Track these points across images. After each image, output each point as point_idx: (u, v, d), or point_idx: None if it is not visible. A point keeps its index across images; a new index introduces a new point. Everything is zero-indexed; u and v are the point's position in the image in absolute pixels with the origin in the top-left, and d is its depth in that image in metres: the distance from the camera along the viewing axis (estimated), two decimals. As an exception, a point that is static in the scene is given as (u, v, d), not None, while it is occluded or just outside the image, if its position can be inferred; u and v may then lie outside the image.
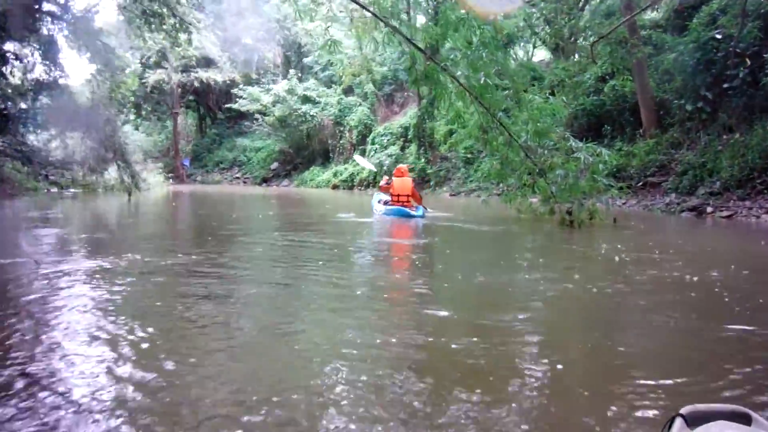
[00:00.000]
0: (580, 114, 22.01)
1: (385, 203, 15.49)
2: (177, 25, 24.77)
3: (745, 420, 1.85)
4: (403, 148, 33.25)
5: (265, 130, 45.46)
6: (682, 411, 1.90)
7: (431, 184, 29.42)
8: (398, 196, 14.83)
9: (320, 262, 7.49)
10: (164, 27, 25.04)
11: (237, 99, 43.39)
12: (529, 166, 12.24)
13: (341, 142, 39.67)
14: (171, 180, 48.42)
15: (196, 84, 45.72)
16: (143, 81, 45.90)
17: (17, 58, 21.13)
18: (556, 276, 6.94)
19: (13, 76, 22.12)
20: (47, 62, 26.53)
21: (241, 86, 43.60)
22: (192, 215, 17.38)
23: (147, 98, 50.79)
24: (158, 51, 40.16)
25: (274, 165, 45.55)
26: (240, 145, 50.36)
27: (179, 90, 49.37)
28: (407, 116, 34.68)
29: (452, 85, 10.79)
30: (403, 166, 15.73)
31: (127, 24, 25.97)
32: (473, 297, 5.79)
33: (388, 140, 34.46)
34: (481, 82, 9.77)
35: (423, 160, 30.55)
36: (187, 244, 10.03)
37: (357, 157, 22.26)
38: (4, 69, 20.90)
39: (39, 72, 25.57)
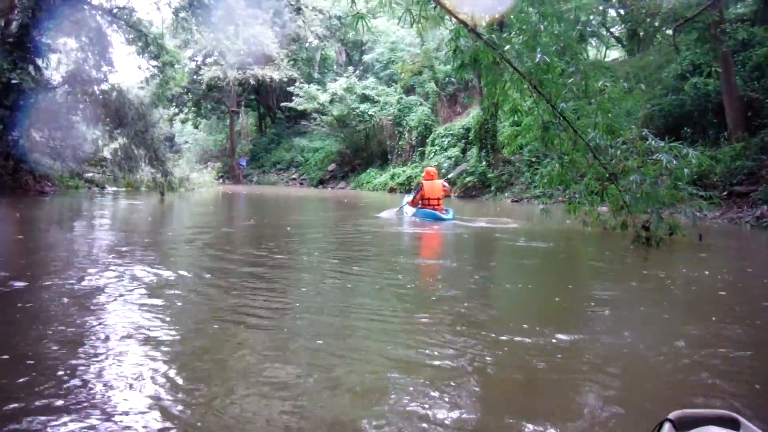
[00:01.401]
0: (657, 115, 19.80)
1: (416, 206, 15.19)
2: (225, 18, 23.64)
3: (733, 425, 1.88)
4: (464, 151, 31.30)
5: (324, 130, 44.19)
6: (671, 416, 1.92)
7: (492, 189, 27.44)
8: (429, 199, 14.83)
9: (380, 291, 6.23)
10: (212, 19, 23.95)
11: (294, 97, 41.95)
12: (598, 170, 10.24)
13: (400, 143, 37.94)
14: (227, 180, 47.75)
15: (252, 81, 44.55)
16: (198, 78, 45.07)
17: (51, 50, 20.00)
18: (637, 320, 5.16)
19: (47, 69, 21.08)
20: (96, 56, 25.83)
21: (297, 84, 42.18)
22: (215, 219, 16.06)
23: (206, 96, 50.09)
24: (214, 47, 39.03)
25: (332, 166, 44.15)
26: (298, 146, 49.10)
27: (238, 88, 48.56)
28: (470, 117, 32.71)
29: (507, 71, 8.96)
30: (431, 169, 15.83)
31: (174, 15, 25.00)
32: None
33: (448, 142, 32.52)
34: (537, 60, 7.85)
35: (484, 163, 28.56)
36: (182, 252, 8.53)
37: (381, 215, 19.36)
38: (39, 61, 19.83)
39: (87, 66, 24.94)
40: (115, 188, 24.88)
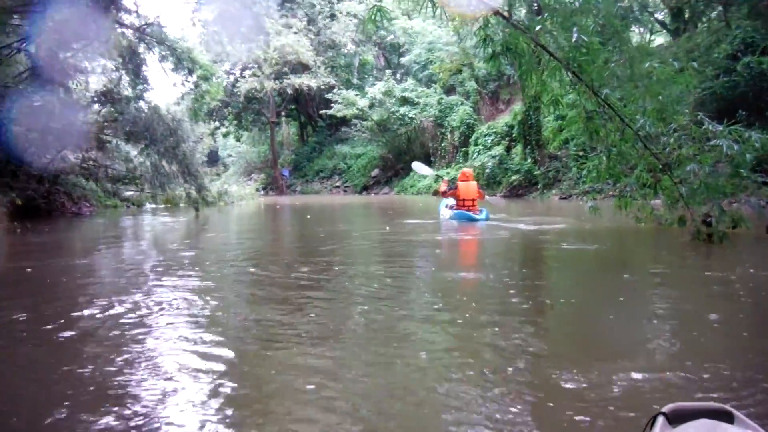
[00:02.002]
0: (708, 99, 18.69)
1: (451, 208, 15.59)
2: (254, 29, 23.24)
3: (727, 418, 1.87)
4: (508, 149, 30.29)
5: (365, 136, 43.69)
6: (664, 409, 1.92)
7: (539, 186, 26.47)
8: (464, 200, 15.08)
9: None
10: (241, 29, 23.59)
11: (333, 104, 41.40)
12: (650, 161, 9.32)
13: (443, 144, 37.09)
14: (271, 191, 47.55)
15: (290, 91, 44.19)
16: (235, 90, 44.88)
17: (77, 70, 19.67)
18: (708, 341, 4.33)
19: (77, 87, 20.79)
20: (131, 75, 25.68)
21: (335, 90, 41.66)
22: (246, 234, 15.53)
23: (245, 108, 49.95)
24: (249, 59, 38.81)
25: (375, 172, 43.54)
26: (340, 153, 48.65)
27: (278, 99, 48.35)
28: (513, 113, 31.71)
29: (543, 58, 8.13)
30: (467, 170, 16.28)
31: (203, 27, 24.77)
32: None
33: (492, 140, 31.52)
34: (574, 40, 7.01)
35: (530, 160, 27.62)
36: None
37: (415, 164, 20.81)
38: (69, 82, 19.53)
39: (120, 85, 24.86)
40: (153, 205, 24.56)
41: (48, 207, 18.68)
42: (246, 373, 3.80)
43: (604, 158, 9.94)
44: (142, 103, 20.15)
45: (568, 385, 3.34)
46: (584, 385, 3.33)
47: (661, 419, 1.88)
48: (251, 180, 53.78)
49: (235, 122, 53.30)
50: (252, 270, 8.16)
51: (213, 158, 65.91)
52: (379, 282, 6.94)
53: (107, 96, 19.74)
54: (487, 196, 16.09)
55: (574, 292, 6.27)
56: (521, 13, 8.42)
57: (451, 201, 15.80)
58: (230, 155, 64.03)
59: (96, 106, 20.30)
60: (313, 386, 3.44)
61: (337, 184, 46.85)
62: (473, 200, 15.05)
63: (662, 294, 5.98)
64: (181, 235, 14.88)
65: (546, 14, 7.70)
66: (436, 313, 5.39)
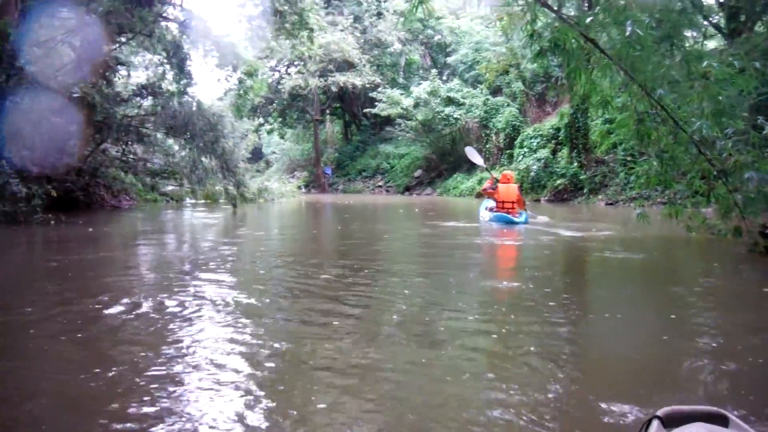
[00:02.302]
0: (765, 104, 17.92)
1: (491, 210, 15.62)
2: (298, 24, 22.96)
3: (722, 421, 1.83)
4: (554, 152, 29.61)
5: (409, 136, 43.26)
6: (659, 412, 1.85)
7: (584, 191, 25.82)
8: (503, 202, 15.13)
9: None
10: (286, 26, 23.33)
11: (377, 103, 41.06)
12: (704, 166, 8.78)
13: (487, 146, 36.50)
14: (313, 189, 47.44)
15: (334, 89, 44.01)
16: (280, 87, 44.82)
17: (119, 63, 19.60)
18: None
19: (119, 80, 20.75)
20: (175, 69, 25.68)
21: (379, 89, 41.30)
22: (283, 231, 15.27)
23: (290, 106, 49.89)
24: (295, 56, 38.62)
25: (418, 172, 43.09)
26: (383, 152, 48.26)
27: (322, 96, 48.23)
28: (559, 116, 31.05)
29: (594, 54, 7.67)
30: (508, 173, 16.39)
31: (248, 22, 24.62)
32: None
33: (537, 143, 30.85)
34: (627, 33, 6.54)
35: (576, 164, 26.94)
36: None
37: (469, 149, 20.32)
38: (109, 75, 19.48)
39: (163, 79, 24.92)
40: (193, 201, 24.51)
41: (87, 200, 18.67)
42: (282, 374, 3.78)
43: (655, 163, 9.43)
44: (183, 98, 20.00)
45: (610, 419, 2.95)
46: (631, 420, 2.95)
47: (655, 423, 1.83)
48: (294, 177, 53.76)
49: (280, 119, 53.27)
50: (285, 269, 8.01)
51: (257, 155, 66.07)
52: (414, 287, 6.77)
53: (148, 89, 19.66)
54: (529, 212, 15.71)
55: (620, 307, 5.83)
56: (571, 7, 7.92)
57: (491, 203, 15.86)
58: (274, 152, 64.05)
59: (137, 99, 20.24)
60: (347, 386, 3.47)
61: (380, 183, 46.53)
62: (513, 203, 15.06)
63: (716, 312, 5.53)
64: (215, 231, 14.70)
65: (597, 8, 7.24)
66: (471, 323, 5.10)
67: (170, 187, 24.48)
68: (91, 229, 13.29)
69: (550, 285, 6.89)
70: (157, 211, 19.95)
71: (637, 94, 8.03)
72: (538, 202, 26.66)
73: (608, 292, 6.82)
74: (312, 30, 23.20)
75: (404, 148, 46.54)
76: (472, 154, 19.87)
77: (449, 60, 43.73)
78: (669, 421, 1.82)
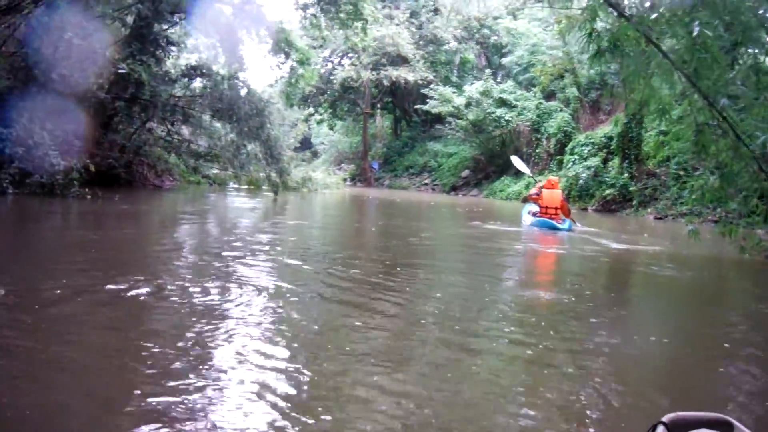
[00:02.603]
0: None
1: (534, 214, 15.65)
2: (353, 14, 22.72)
3: (727, 428, 1.86)
4: (605, 161, 28.88)
5: (459, 135, 42.70)
6: (664, 419, 1.89)
7: (633, 203, 25.13)
8: (546, 208, 15.11)
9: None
10: (340, 15, 23.12)
11: (428, 100, 40.61)
12: (763, 185, 8.27)
13: (537, 150, 35.93)
14: (358, 182, 47.25)
15: (386, 83, 43.69)
16: (332, 77, 44.67)
17: (170, 42, 19.46)
18: None
19: (169, 59, 20.65)
20: (226, 53, 25.64)
21: (432, 86, 40.81)
22: (320, 224, 15.00)
23: (341, 97, 49.73)
24: (349, 47, 38.39)
25: (465, 173, 42.52)
26: (431, 150, 47.74)
27: (374, 90, 47.99)
28: (613, 125, 30.29)
29: (655, 58, 7.23)
30: (553, 178, 16.49)
31: (302, 10, 24.46)
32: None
33: (588, 151, 30.10)
34: (695, 34, 6.10)
35: (626, 174, 26.24)
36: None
37: (515, 158, 20.53)
38: (160, 53, 19.39)
39: (214, 61, 24.91)
40: (236, 185, 24.41)
41: (128, 177, 18.63)
42: (316, 365, 3.82)
43: (712, 178, 8.93)
44: (229, 82, 19.88)
45: None
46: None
47: (660, 428, 1.85)
48: (341, 169, 53.67)
49: (330, 110, 53.16)
50: (322, 261, 7.91)
51: (306, 145, 66.19)
52: (452, 293, 6.58)
53: (197, 71, 19.55)
54: (577, 224, 15.66)
55: (668, 329, 5.46)
56: (633, 7, 7.49)
57: (535, 207, 15.87)
58: (322, 143, 64.01)
59: (186, 80, 20.14)
60: (380, 381, 3.51)
61: (426, 181, 45.92)
62: (556, 209, 15.08)
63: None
64: (252, 218, 14.50)
65: (662, 8, 6.81)
66: (506, 331, 4.96)
67: (215, 171, 24.43)
68: (126, 207, 13.22)
69: (593, 298, 6.56)
70: (197, 194, 19.94)
71: (697, 104, 7.58)
72: (585, 211, 26.08)
73: (654, 312, 6.43)
74: (366, 21, 22.90)
75: (453, 147, 45.95)
76: (518, 163, 20.11)
77: (504, 61, 43.04)
78: (674, 427, 1.85)
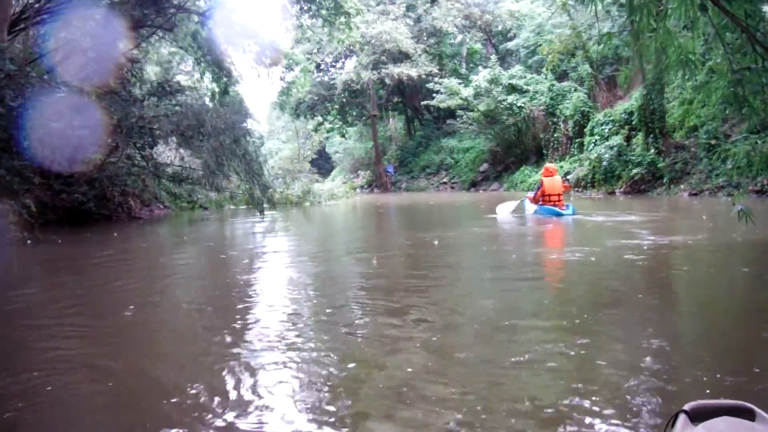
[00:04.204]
0: None
1: (536, 201, 15.91)
2: (333, 9, 21.19)
3: (749, 415, 1.88)
4: (628, 138, 26.74)
5: (472, 128, 40.82)
6: (686, 407, 1.96)
7: (664, 181, 22.99)
8: (549, 195, 15.40)
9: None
10: (322, 12, 21.58)
11: (434, 94, 38.70)
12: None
13: (555, 135, 33.95)
14: (375, 189, 45.82)
15: (388, 81, 41.93)
16: (332, 82, 43.16)
17: (132, 61, 17.79)
18: None
19: (137, 80, 18.95)
20: (211, 67, 24.46)
21: (436, 80, 38.88)
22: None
23: (348, 102, 48.19)
24: (345, 47, 36.78)
25: (484, 167, 40.63)
26: (447, 147, 45.93)
27: (381, 92, 46.49)
28: (633, 99, 28.12)
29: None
30: (551, 166, 16.61)
31: (282, 11, 23.09)
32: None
33: (609, 129, 27.95)
34: None
35: (653, 150, 24.13)
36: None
37: (499, 210, 16.78)
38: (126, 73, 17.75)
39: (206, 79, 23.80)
40: (233, 206, 22.66)
41: (104, 211, 16.94)
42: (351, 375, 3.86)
43: (759, 142, 6.93)
44: (187, 94, 18.23)
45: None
46: None
47: (682, 417, 1.89)
48: (357, 177, 52.29)
49: (339, 117, 51.60)
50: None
51: (323, 156, 65.04)
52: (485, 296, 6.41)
53: (162, 88, 17.86)
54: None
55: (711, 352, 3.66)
56: None
57: (532, 194, 16.27)
58: (337, 152, 62.54)
59: (153, 99, 18.38)
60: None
61: (444, 180, 44.07)
62: (558, 195, 15.37)
63: None
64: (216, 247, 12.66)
65: None
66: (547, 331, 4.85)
67: (212, 194, 22.66)
68: (67, 252, 11.44)
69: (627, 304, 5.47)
70: (181, 222, 18.26)
71: (733, 42, 5.62)
72: (612, 195, 24.10)
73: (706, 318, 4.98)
74: (349, 15, 21.15)
75: (468, 141, 44.26)
76: (503, 211, 16.61)
77: (510, 45, 41.15)
78: (696, 415, 1.91)
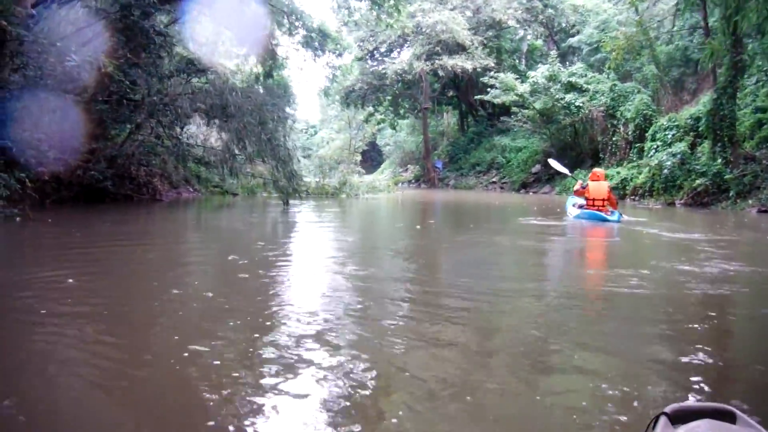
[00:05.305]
0: None
1: (580, 207, 15.75)
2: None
3: (730, 418, 1.85)
4: (693, 146, 24.83)
5: (527, 127, 39.19)
6: (667, 409, 1.91)
7: (730, 194, 21.13)
8: (594, 200, 15.21)
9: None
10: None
11: (488, 89, 37.14)
12: None
13: (614, 138, 32.00)
14: (422, 184, 44.74)
15: (441, 73, 40.51)
16: (382, 70, 41.95)
17: (159, 34, 16.77)
18: None
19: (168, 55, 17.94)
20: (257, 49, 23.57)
21: (492, 74, 37.28)
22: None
23: (401, 94, 46.99)
24: (394, 36, 35.58)
25: (536, 168, 38.88)
26: (499, 145, 44.30)
27: (436, 85, 45.24)
28: (700, 104, 26.21)
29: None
30: (599, 170, 16.53)
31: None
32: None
33: (673, 135, 26.00)
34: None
35: (719, 160, 22.25)
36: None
37: (552, 161, 19.78)
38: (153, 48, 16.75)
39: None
40: (266, 194, 21.62)
41: (123, 191, 16.08)
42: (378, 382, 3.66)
43: None
44: (216, 74, 17.18)
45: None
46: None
47: (663, 419, 1.85)
48: (406, 171, 51.40)
49: (391, 108, 50.45)
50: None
51: (375, 149, 64.29)
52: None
53: (192, 64, 16.82)
54: (624, 216, 15.48)
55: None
56: None
57: (580, 200, 16.04)
58: (387, 144, 61.50)
59: (183, 76, 17.36)
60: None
61: (494, 179, 42.49)
62: (603, 200, 15.12)
63: None
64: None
65: None
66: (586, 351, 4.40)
67: (242, 179, 21.73)
68: (58, 230, 10.51)
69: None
70: (207, 206, 17.27)
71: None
72: (672, 206, 22.35)
73: None
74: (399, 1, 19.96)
75: (522, 140, 42.58)
76: (555, 164, 19.48)
77: (571, 41, 39.38)
78: (677, 417, 1.86)
